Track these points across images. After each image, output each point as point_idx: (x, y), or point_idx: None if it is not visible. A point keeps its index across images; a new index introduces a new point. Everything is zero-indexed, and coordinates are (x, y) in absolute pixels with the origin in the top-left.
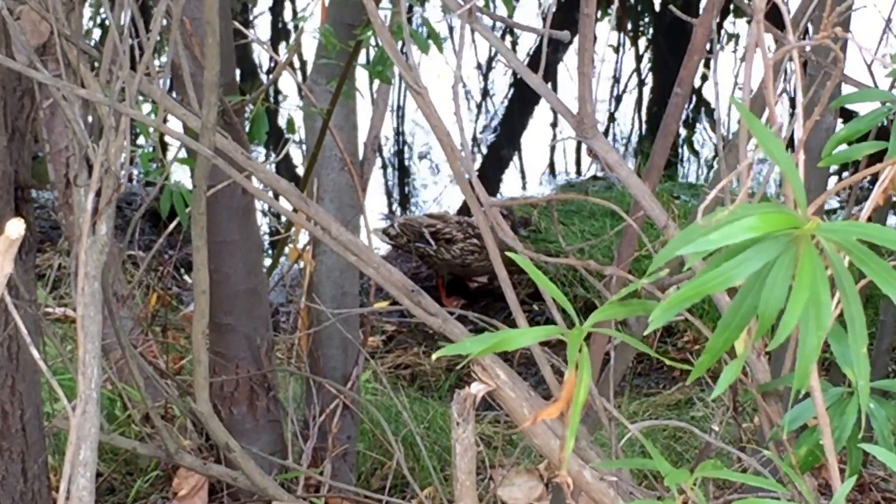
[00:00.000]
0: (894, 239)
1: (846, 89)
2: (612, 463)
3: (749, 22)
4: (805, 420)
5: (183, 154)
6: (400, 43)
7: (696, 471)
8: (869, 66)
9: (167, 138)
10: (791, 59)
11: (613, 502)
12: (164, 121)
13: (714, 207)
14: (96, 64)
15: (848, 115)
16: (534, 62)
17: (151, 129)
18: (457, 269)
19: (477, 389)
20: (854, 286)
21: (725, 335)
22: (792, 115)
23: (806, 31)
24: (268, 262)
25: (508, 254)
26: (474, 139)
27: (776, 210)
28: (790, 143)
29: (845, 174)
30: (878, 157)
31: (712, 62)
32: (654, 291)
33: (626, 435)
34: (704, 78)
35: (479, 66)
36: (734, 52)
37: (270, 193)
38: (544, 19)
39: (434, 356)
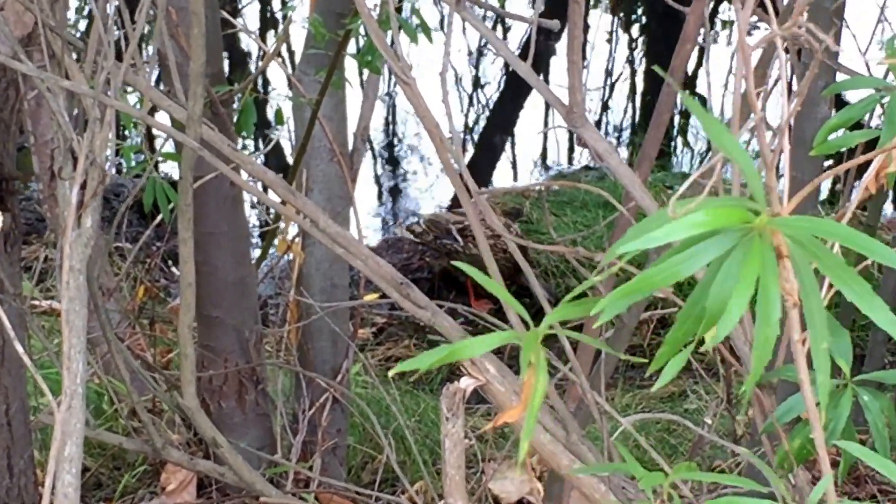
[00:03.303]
0: (851, 237)
1: (841, 79)
2: (587, 469)
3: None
4: (798, 412)
5: (170, 145)
6: (389, 32)
7: (672, 473)
8: (864, 55)
9: (153, 130)
10: (783, 48)
11: (604, 497)
12: (151, 112)
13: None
14: (81, 55)
15: (841, 106)
16: (526, 52)
17: (136, 120)
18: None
19: (466, 384)
20: (814, 280)
21: (685, 327)
22: (789, 97)
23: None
24: (256, 253)
25: (455, 263)
26: (466, 128)
27: (732, 204)
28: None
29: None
30: (872, 146)
31: (705, 51)
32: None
33: (619, 429)
34: (696, 74)
35: (469, 53)
36: (728, 44)
37: (259, 185)
38: (534, 7)
39: (391, 373)
